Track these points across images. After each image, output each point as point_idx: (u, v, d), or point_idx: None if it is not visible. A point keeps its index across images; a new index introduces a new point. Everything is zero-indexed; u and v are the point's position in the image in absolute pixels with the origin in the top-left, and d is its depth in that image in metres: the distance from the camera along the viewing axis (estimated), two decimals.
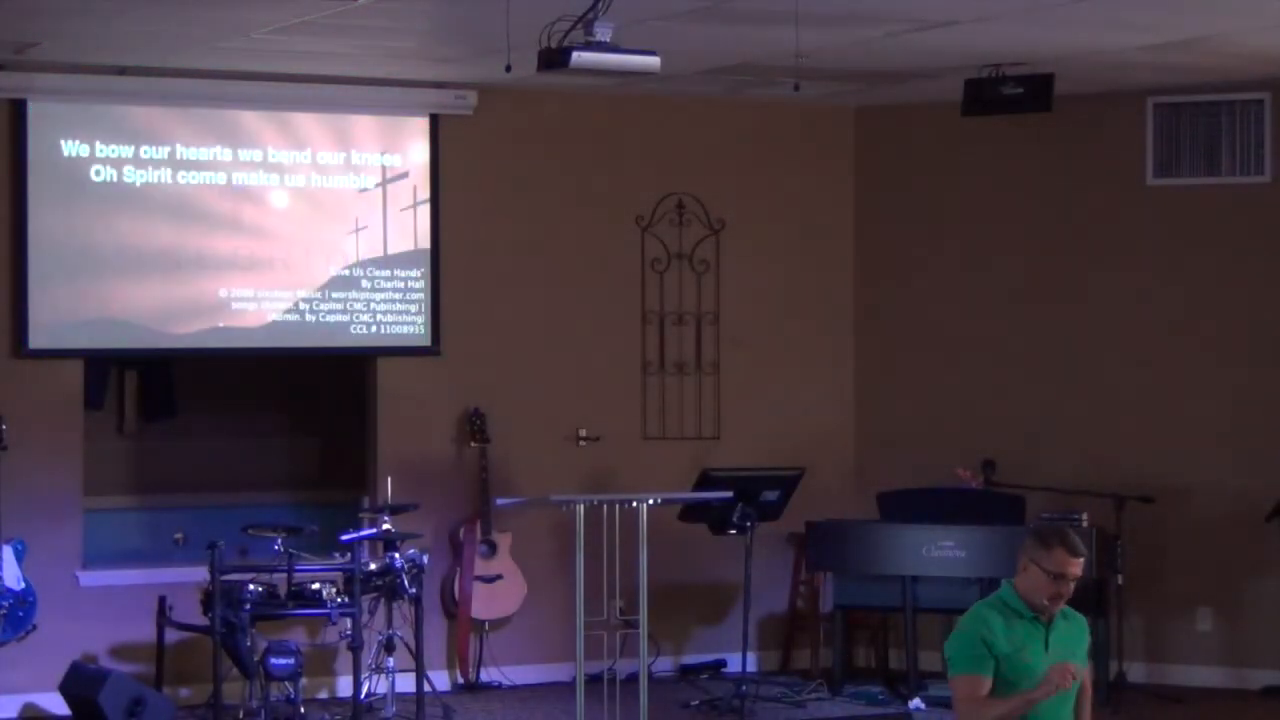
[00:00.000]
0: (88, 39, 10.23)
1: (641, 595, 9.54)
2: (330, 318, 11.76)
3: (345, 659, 11.04)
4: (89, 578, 11.28)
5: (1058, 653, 6.35)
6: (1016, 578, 6.37)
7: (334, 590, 10.49)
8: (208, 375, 12.96)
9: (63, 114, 11.18)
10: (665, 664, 12.29)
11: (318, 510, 12.75)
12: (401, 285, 11.89)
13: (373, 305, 11.83)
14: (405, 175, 11.91)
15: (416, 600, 10.71)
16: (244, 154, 11.56)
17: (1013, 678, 6.29)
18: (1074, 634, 6.47)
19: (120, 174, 11.31)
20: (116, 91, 11.26)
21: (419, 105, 11.87)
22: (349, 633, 10.56)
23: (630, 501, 9.63)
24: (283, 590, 10.43)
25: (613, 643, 10.65)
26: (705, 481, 11.17)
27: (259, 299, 11.61)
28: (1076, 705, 6.48)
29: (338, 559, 10.62)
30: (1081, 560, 6.33)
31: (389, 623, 10.98)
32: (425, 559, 10.85)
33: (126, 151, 11.31)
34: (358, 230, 11.82)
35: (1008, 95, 11.01)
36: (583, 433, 12.26)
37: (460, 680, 11.86)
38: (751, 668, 11.36)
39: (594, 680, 10.10)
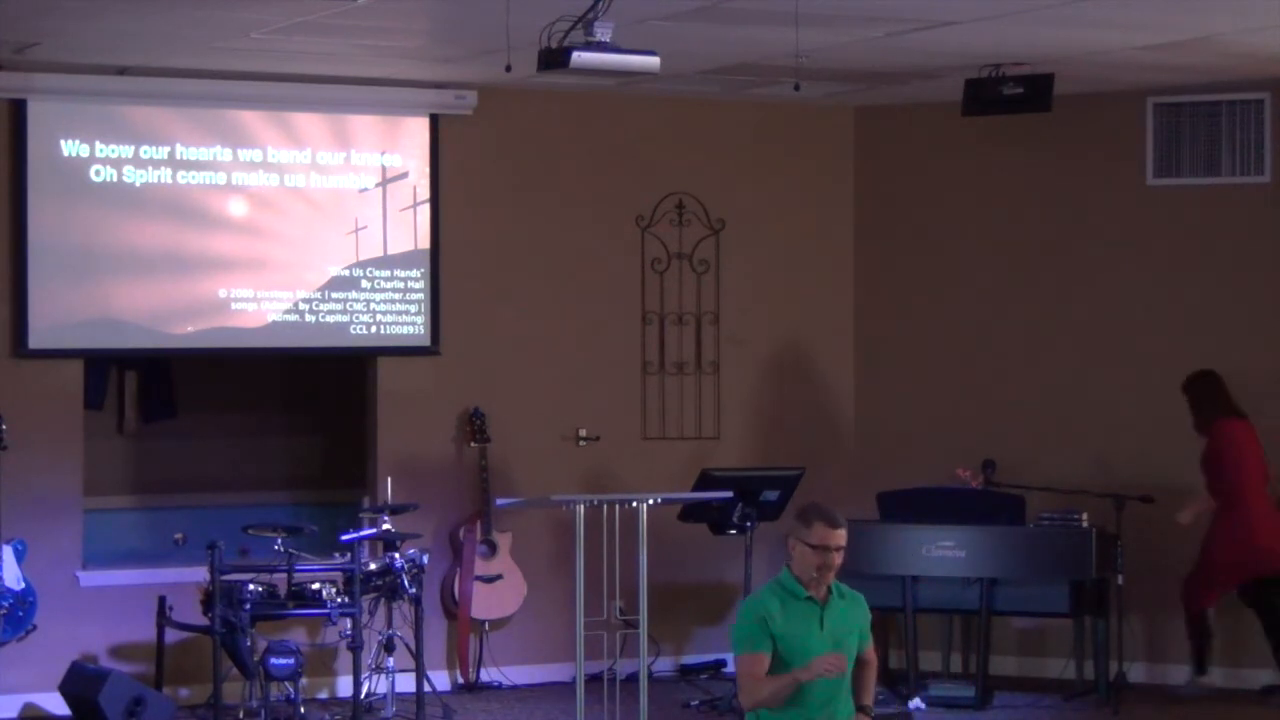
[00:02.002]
0: (88, 39, 10.23)
1: (641, 595, 9.54)
2: (330, 318, 11.76)
3: (345, 659, 11.05)
4: (89, 578, 11.28)
5: (832, 631, 6.73)
6: (790, 560, 6.77)
7: (334, 590, 10.49)
8: (208, 375, 12.96)
9: (63, 114, 11.18)
10: (665, 664, 12.29)
11: (318, 510, 12.77)
12: (401, 285, 11.89)
13: (373, 305, 11.83)
14: (405, 175, 11.91)
15: (416, 600, 10.71)
16: (244, 154, 11.56)
17: (789, 657, 6.69)
18: (851, 612, 6.84)
19: (120, 174, 11.31)
20: (116, 91, 11.26)
21: (419, 105, 11.87)
22: (349, 633, 10.56)
23: (630, 501, 9.62)
24: (283, 590, 10.43)
25: (613, 643, 10.65)
26: (705, 481, 11.17)
27: (259, 299, 11.61)
28: (858, 681, 6.88)
29: (338, 559, 10.62)
30: (842, 531, 6.72)
31: (389, 623, 10.98)
32: (425, 559, 10.86)
33: (126, 151, 11.31)
34: (358, 230, 11.83)
35: (1008, 95, 11.01)
36: (583, 433, 12.27)
37: (460, 680, 11.86)
38: None
39: (594, 680, 10.10)
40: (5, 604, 10.69)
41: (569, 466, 12.15)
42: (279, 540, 10.45)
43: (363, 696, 10.67)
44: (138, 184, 11.35)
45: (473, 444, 11.88)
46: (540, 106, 12.10)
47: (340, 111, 11.74)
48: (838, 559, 6.75)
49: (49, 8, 9.39)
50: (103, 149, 11.27)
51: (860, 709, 6.91)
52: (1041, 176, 12.43)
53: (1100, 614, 11.29)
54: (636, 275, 12.48)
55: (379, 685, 10.98)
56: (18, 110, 11.10)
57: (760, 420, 12.70)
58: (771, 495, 11.32)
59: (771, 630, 6.69)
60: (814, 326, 12.84)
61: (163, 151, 11.39)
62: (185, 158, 11.44)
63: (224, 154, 11.52)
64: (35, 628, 10.80)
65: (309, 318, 11.73)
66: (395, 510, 11.05)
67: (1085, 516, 11.30)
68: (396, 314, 11.89)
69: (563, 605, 11.20)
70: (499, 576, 11.80)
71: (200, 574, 10.47)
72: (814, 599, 6.77)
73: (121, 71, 11.15)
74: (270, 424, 13.44)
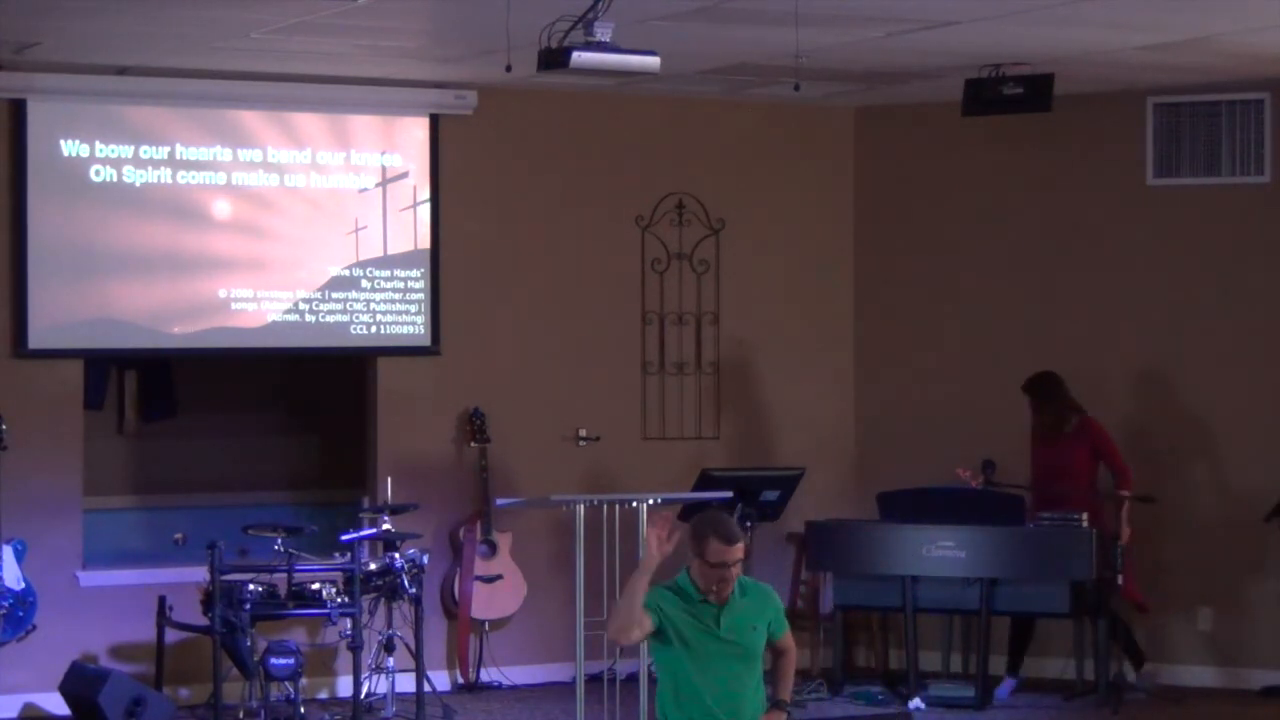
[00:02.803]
0: (88, 39, 10.23)
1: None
2: (330, 318, 11.77)
3: (345, 659, 11.05)
4: (89, 578, 11.28)
5: (731, 628, 6.68)
6: (690, 566, 6.75)
7: (334, 590, 10.49)
8: (208, 375, 12.96)
9: (63, 114, 11.18)
10: None
11: (318, 510, 12.77)
12: (401, 285, 11.89)
13: (373, 305, 11.84)
14: (405, 175, 11.91)
15: (416, 600, 10.71)
16: (244, 154, 11.56)
17: (685, 654, 6.66)
18: (755, 607, 6.77)
19: (120, 174, 11.31)
20: (116, 91, 11.26)
21: (419, 105, 11.87)
22: (349, 633, 10.56)
23: (630, 501, 9.63)
24: (283, 590, 10.43)
25: (613, 643, 10.63)
26: (705, 481, 11.17)
27: (259, 299, 11.61)
28: (775, 672, 6.87)
29: (338, 559, 10.62)
30: (737, 545, 6.63)
31: (389, 623, 10.98)
32: (425, 559, 10.86)
33: (126, 151, 11.31)
34: (358, 230, 11.83)
35: (1008, 95, 11.01)
36: (583, 433, 12.27)
37: (460, 680, 11.86)
38: None
39: (594, 680, 10.11)
40: (5, 604, 10.69)
41: (569, 466, 12.15)
42: (279, 540, 10.45)
43: (363, 696, 10.67)
44: (138, 184, 11.35)
45: (473, 444, 11.88)
46: (540, 106, 12.10)
47: (340, 111, 11.74)
48: (735, 572, 6.70)
49: (49, 8, 9.39)
50: (103, 149, 11.27)
51: (775, 704, 6.84)
52: (1042, 176, 12.43)
53: (1100, 614, 11.28)
54: (636, 275, 12.48)
55: (379, 685, 10.98)
56: (18, 110, 11.10)
57: (760, 420, 12.70)
58: (771, 495, 11.33)
59: (666, 613, 6.67)
60: (814, 326, 12.84)
61: (163, 151, 11.39)
62: (185, 158, 11.44)
63: (224, 154, 11.52)
64: (35, 628, 10.80)
65: (309, 318, 11.73)
66: (395, 510, 11.05)
67: (1085, 516, 11.29)
68: (396, 314, 11.89)
69: (563, 605, 11.20)
70: (499, 576, 11.80)
71: (200, 574, 10.46)
72: (708, 601, 6.74)
73: (121, 71, 11.15)
74: (270, 424, 13.44)
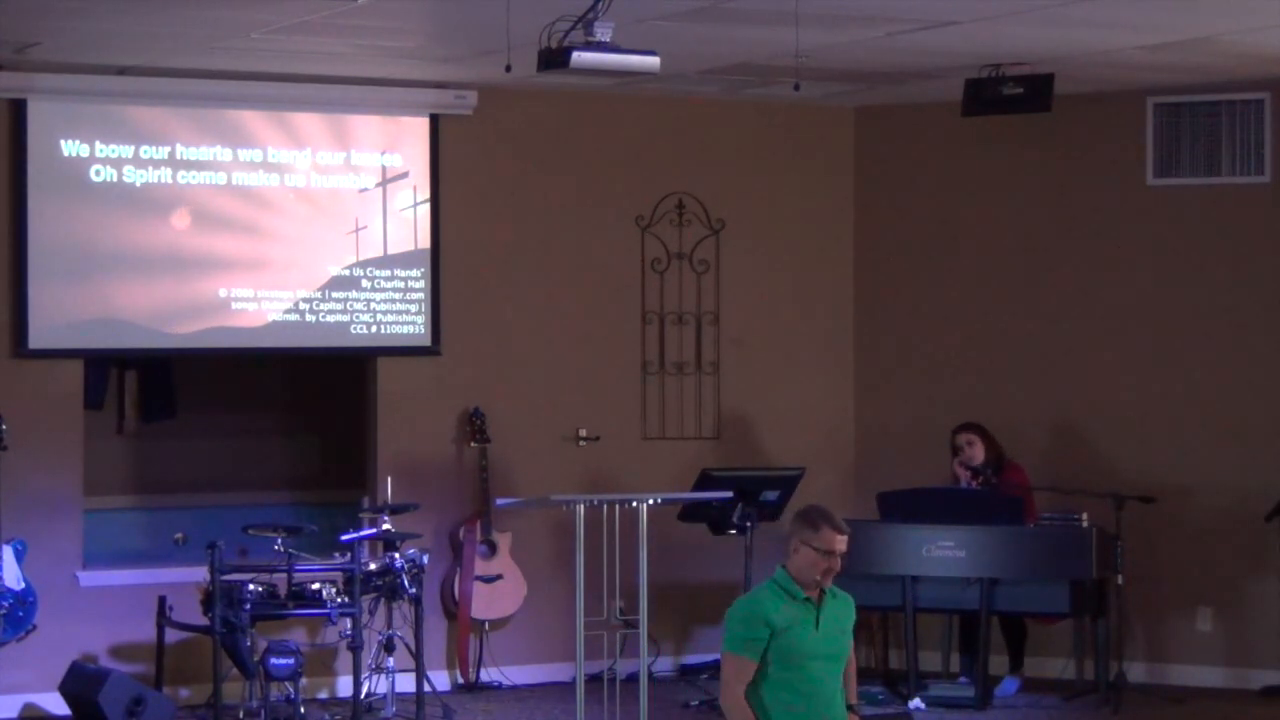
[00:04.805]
0: (88, 39, 10.23)
1: (641, 595, 9.54)
2: (330, 318, 11.77)
3: (345, 659, 11.05)
4: (89, 578, 11.28)
5: (827, 629, 6.81)
6: (788, 560, 6.78)
7: (334, 590, 10.50)
8: (208, 375, 12.97)
9: (63, 114, 11.18)
10: (665, 664, 12.30)
11: (318, 510, 12.77)
12: (401, 285, 11.89)
13: (373, 305, 11.84)
14: (405, 175, 11.91)
15: (416, 600, 10.72)
16: (244, 154, 11.56)
17: (785, 653, 6.72)
18: (843, 611, 6.93)
19: (120, 174, 11.31)
20: (116, 91, 11.26)
21: (419, 105, 11.87)
22: (349, 633, 10.57)
23: (630, 501, 9.63)
24: (283, 590, 10.44)
25: (613, 643, 10.65)
26: (705, 481, 11.17)
27: (259, 299, 11.61)
28: (844, 680, 6.98)
29: (338, 559, 10.63)
30: (846, 537, 6.78)
31: (389, 623, 10.99)
32: (425, 559, 10.86)
33: (126, 151, 11.31)
34: (358, 230, 11.83)
35: (1008, 95, 11.01)
36: (583, 433, 12.27)
37: (460, 680, 11.86)
38: None
39: (594, 680, 10.11)
40: (5, 604, 10.69)
41: (569, 466, 12.15)
42: (279, 540, 10.45)
43: (363, 696, 10.67)
44: (138, 184, 11.35)
45: (473, 444, 11.88)
46: (540, 106, 12.10)
47: (340, 111, 11.74)
48: (839, 564, 6.80)
49: (49, 8, 9.39)
50: (103, 149, 11.27)
51: (849, 707, 6.96)
52: (1041, 176, 12.43)
53: (1100, 614, 11.28)
54: (636, 275, 12.48)
55: (379, 685, 10.98)
56: (18, 110, 11.11)
57: (760, 420, 12.69)
58: (771, 495, 11.33)
59: (771, 625, 6.70)
60: (814, 327, 12.84)
61: (163, 151, 11.39)
62: (185, 158, 11.44)
63: (224, 154, 11.52)
64: (35, 628, 10.80)
65: (309, 318, 11.73)
66: (395, 510, 11.05)
67: (1085, 516, 11.30)
68: (396, 314, 11.89)
69: (563, 605, 11.20)
70: (499, 576, 11.80)
71: (200, 574, 10.47)
72: (810, 600, 6.82)
73: (121, 71, 11.15)
74: (270, 424, 13.44)
